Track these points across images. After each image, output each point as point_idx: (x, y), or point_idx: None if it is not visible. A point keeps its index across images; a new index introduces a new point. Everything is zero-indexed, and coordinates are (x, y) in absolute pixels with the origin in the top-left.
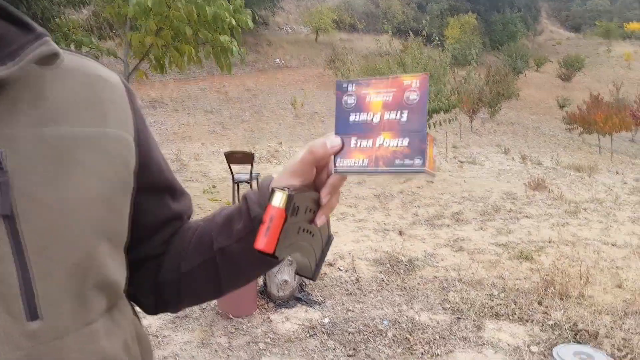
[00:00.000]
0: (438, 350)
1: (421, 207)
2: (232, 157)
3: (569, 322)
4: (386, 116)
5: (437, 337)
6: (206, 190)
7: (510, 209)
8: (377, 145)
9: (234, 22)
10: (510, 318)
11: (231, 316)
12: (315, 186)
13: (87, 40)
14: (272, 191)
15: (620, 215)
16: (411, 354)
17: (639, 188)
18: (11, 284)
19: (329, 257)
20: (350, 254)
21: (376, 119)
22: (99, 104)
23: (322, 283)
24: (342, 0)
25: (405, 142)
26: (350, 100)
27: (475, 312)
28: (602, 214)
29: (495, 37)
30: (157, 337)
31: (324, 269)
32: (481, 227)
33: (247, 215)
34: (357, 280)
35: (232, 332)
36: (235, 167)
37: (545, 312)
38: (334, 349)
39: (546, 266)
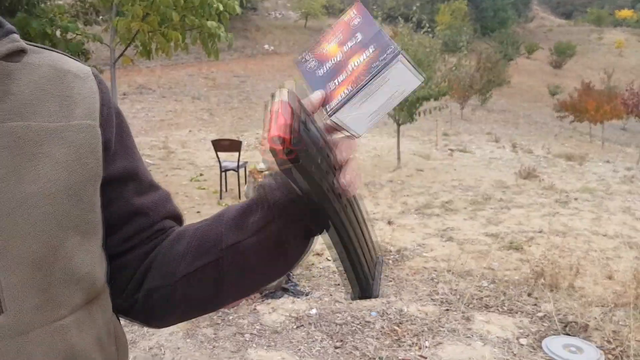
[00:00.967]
0: (426, 343)
1: (411, 196)
2: (220, 145)
3: (559, 314)
4: (345, 49)
5: (426, 328)
6: (193, 179)
7: (501, 198)
8: (350, 70)
9: (221, 8)
10: (500, 310)
11: None
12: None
13: (73, 26)
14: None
15: (612, 205)
16: (399, 345)
17: (630, 177)
18: None
19: (317, 246)
20: None
21: (339, 57)
22: (66, 98)
23: (309, 273)
24: None
25: (371, 48)
26: (312, 63)
27: (464, 304)
28: (593, 204)
29: (486, 24)
30: (142, 327)
31: (311, 258)
32: (471, 216)
33: (265, 203)
34: (345, 270)
35: (218, 323)
36: (222, 155)
37: (535, 304)
38: (320, 341)
39: (536, 257)
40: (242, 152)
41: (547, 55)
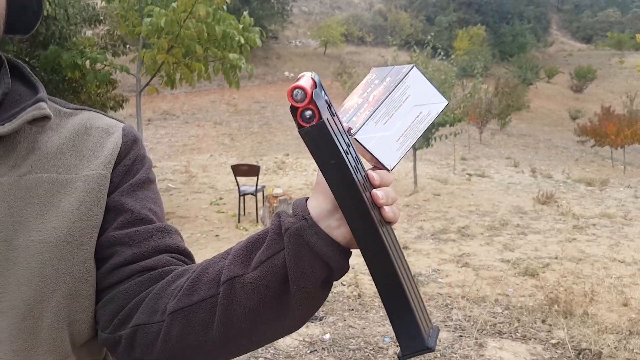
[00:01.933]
0: None
1: (427, 220)
2: (239, 170)
3: (572, 341)
4: (365, 94)
5: (439, 355)
6: (213, 202)
7: (518, 224)
8: (370, 99)
9: (242, 41)
10: (513, 336)
11: None
12: None
13: (101, 58)
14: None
15: (630, 231)
16: None
17: None
18: None
19: None
20: (353, 268)
21: (360, 101)
22: (88, 152)
23: None
24: (350, 14)
25: (388, 78)
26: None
27: (478, 330)
28: (612, 230)
29: (505, 49)
30: None
31: None
32: (487, 242)
33: (275, 230)
34: (359, 295)
35: None
36: (241, 179)
37: (549, 331)
38: None
39: (551, 283)
40: (260, 177)
41: (567, 80)
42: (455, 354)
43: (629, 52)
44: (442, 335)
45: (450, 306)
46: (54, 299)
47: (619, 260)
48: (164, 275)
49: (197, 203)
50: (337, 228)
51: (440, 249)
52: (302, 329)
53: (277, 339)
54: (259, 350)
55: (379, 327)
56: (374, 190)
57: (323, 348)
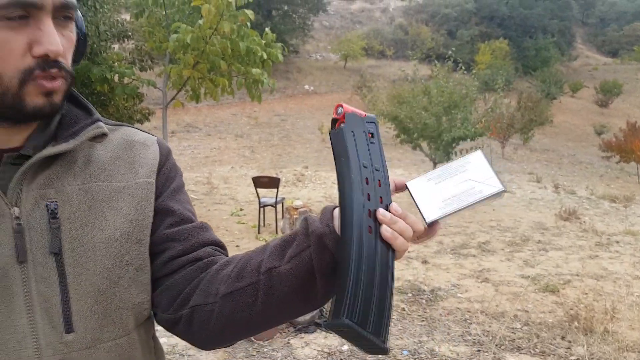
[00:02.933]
0: None
1: (447, 235)
2: (259, 182)
3: (592, 358)
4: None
5: None
6: (234, 213)
7: (539, 240)
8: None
9: (265, 56)
10: (532, 352)
11: (253, 339)
12: None
13: (129, 72)
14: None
15: None
16: None
17: None
18: (54, 304)
19: None
20: None
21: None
22: (133, 162)
23: None
24: (371, 28)
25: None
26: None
27: (496, 345)
28: (635, 247)
29: (528, 63)
30: (183, 356)
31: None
32: (508, 258)
33: (303, 231)
34: None
35: (253, 355)
36: (261, 191)
37: (568, 347)
38: None
39: (572, 300)
40: (280, 189)
41: (592, 94)
42: None
43: None
44: (461, 349)
45: (469, 321)
46: (120, 286)
47: None
48: (211, 265)
49: (218, 214)
50: None
51: (460, 263)
52: (321, 340)
53: (303, 315)
54: (279, 359)
55: (397, 339)
56: (379, 209)
57: (341, 359)
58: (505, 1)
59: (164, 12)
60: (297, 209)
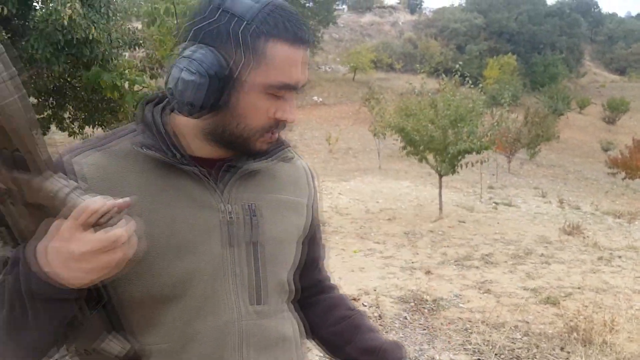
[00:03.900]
0: None
1: (451, 247)
2: None
3: None
4: None
5: None
6: None
7: (542, 254)
8: None
9: None
10: None
11: None
12: None
13: (140, 80)
14: None
15: None
16: None
17: None
18: (251, 281)
19: (354, 292)
20: (375, 290)
21: None
22: (296, 183)
23: None
24: (380, 41)
25: None
26: None
27: (496, 354)
28: (638, 262)
29: (536, 79)
30: None
31: None
32: (511, 270)
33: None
34: (380, 316)
35: None
36: None
37: (567, 358)
38: None
39: (572, 312)
40: None
41: (599, 111)
42: None
43: None
44: (461, 357)
45: (469, 330)
46: (289, 273)
47: None
48: (328, 288)
49: None
50: None
51: (463, 275)
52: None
53: None
54: None
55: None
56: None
57: None
58: (515, 17)
59: (175, 22)
60: None
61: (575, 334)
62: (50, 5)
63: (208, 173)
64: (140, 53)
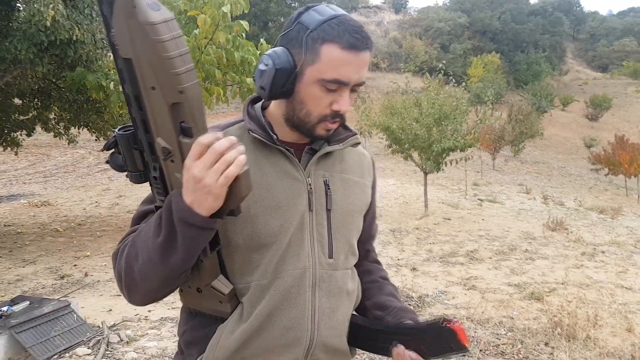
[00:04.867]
0: None
1: (436, 243)
2: None
3: None
4: None
5: None
6: None
7: (526, 249)
8: None
9: None
10: (515, 357)
11: None
12: None
13: None
14: None
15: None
16: None
17: None
18: (324, 239)
19: None
20: None
21: None
22: (361, 167)
23: None
24: None
25: None
26: None
27: (481, 350)
28: (621, 257)
29: (520, 77)
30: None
31: None
32: (495, 266)
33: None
34: None
35: None
36: None
37: (551, 353)
38: None
39: (555, 307)
40: None
41: (582, 108)
42: None
43: None
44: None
45: None
46: (354, 236)
47: (625, 287)
48: (372, 256)
49: None
50: None
51: (448, 271)
52: None
53: None
54: None
55: None
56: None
57: None
58: (498, 16)
59: None
60: None
61: (559, 329)
62: (34, 6)
63: (294, 153)
64: None
